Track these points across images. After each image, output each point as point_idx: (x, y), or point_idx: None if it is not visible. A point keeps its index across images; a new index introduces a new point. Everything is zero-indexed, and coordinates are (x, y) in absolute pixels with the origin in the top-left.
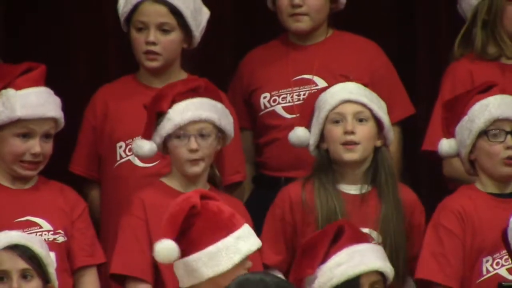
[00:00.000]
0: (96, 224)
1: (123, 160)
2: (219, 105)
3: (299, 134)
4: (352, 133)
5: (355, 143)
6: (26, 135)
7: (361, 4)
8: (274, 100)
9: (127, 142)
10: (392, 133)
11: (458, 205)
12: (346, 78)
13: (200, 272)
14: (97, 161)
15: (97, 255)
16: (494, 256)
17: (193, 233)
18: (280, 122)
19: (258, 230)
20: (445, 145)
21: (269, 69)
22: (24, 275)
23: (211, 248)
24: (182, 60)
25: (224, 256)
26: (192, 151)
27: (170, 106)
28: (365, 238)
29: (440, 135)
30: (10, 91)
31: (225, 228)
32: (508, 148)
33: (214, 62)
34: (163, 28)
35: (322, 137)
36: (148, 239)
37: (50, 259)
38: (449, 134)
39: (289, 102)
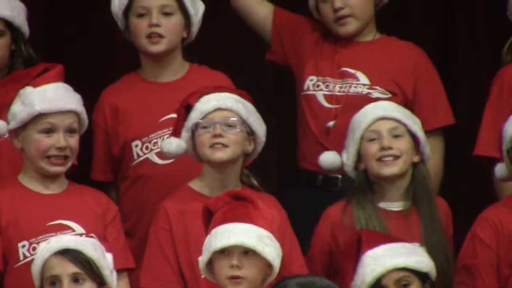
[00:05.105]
0: None
1: (141, 158)
2: (249, 105)
3: (330, 158)
4: (390, 148)
5: (395, 157)
6: (49, 131)
7: (404, 4)
8: (317, 86)
9: (143, 140)
10: (428, 149)
11: (494, 216)
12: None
13: None
14: (112, 163)
15: (129, 259)
16: None
17: None
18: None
19: None
20: (499, 169)
21: (318, 55)
22: (75, 279)
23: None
24: (185, 53)
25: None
26: (216, 136)
27: (197, 100)
28: (382, 239)
29: (490, 139)
30: (28, 89)
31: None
32: None
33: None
34: (164, 11)
35: (359, 158)
36: (173, 248)
37: (105, 261)
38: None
39: (331, 91)
